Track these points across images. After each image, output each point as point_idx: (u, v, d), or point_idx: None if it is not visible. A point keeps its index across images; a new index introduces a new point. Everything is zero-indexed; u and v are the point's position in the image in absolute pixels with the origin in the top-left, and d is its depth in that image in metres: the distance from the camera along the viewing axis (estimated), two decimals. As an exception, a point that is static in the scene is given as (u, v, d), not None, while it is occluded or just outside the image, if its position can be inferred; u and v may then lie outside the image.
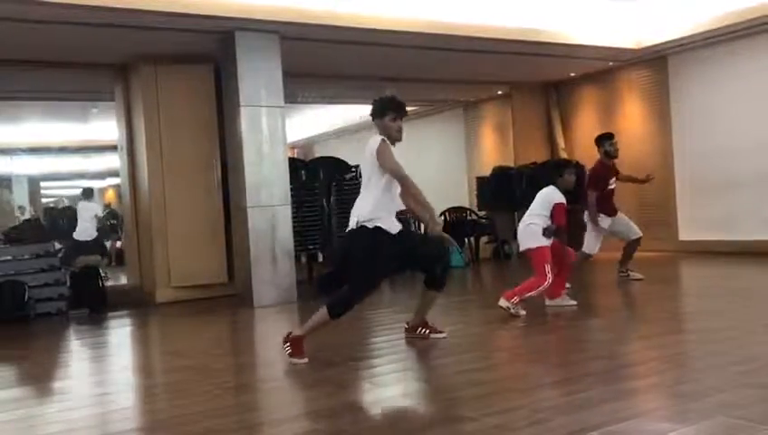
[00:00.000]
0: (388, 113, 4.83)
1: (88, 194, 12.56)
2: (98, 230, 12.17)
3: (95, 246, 12.04)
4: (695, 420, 2.95)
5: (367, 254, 4.49)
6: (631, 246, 7.72)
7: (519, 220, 12.95)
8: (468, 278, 9.66)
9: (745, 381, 3.49)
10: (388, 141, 4.67)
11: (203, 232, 8.37)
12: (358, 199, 4.68)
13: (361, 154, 4.91)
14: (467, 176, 13.27)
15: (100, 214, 12.97)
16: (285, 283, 7.73)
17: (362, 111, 16.38)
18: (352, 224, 4.59)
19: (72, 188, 20.11)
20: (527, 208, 6.32)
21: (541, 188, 6.26)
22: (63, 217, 15.50)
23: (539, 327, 5.53)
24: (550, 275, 5.84)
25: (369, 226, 4.50)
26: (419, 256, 4.78)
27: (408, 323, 5.16)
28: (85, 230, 11.88)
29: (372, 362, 4.69)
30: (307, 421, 3.45)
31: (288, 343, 4.54)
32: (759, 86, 9.29)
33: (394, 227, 4.59)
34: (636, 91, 11.01)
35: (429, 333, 5.04)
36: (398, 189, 4.66)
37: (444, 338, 5.00)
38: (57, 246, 8.48)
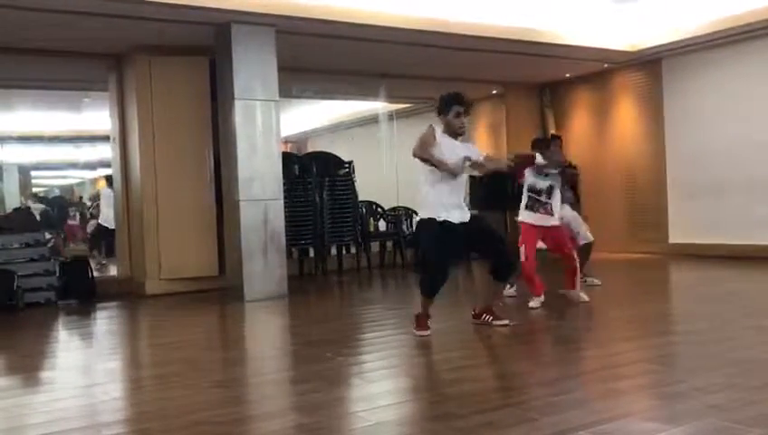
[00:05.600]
0: (453, 108, 5.07)
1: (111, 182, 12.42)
2: None
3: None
4: (683, 421, 2.96)
5: (423, 240, 5.13)
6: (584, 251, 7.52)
7: (510, 219, 12.95)
8: (459, 276, 9.67)
9: (734, 383, 3.51)
10: (436, 130, 4.97)
11: (194, 224, 8.34)
12: None
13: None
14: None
15: None
16: (276, 277, 7.71)
17: (356, 107, 16.29)
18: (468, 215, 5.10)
19: (63, 178, 19.99)
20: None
21: None
22: (54, 207, 15.42)
23: (528, 326, 5.55)
24: (523, 257, 6.01)
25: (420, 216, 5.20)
26: (483, 247, 5.23)
27: (474, 310, 5.42)
28: (110, 217, 11.84)
29: (362, 358, 4.70)
30: (295, 415, 3.45)
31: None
32: (752, 90, 9.33)
33: (450, 216, 4.94)
34: (629, 93, 11.04)
35: (492, 319, 5.23)
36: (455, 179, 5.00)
37: (506, 325, 5.19)
38: (47, 235, 8.42)
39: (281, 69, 7.81)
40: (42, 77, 9.87)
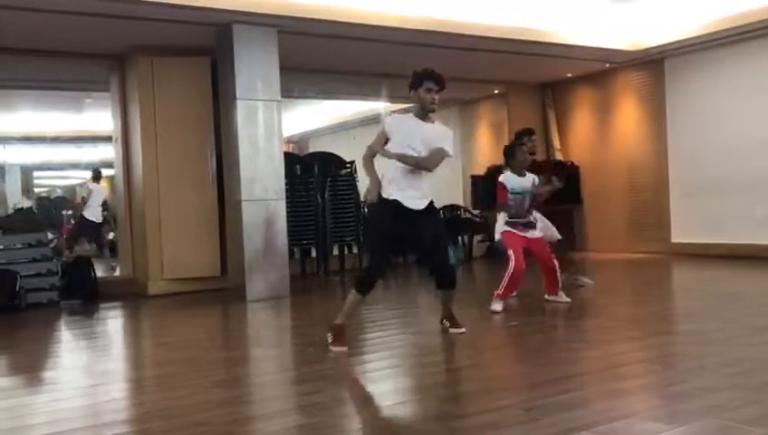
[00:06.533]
0: (425, 83, 4.85)
1: (97, 176, 12.43)
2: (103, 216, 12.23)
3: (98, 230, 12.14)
4: (685, 421, 2.96)
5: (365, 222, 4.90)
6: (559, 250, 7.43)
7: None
8: (461, 276, 9.66)
9: (735, 383, 3.51)
10: (389, 123, 4.87)
11: (197, 225, 8.35)
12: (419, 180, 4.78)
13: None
14: (462, 174, 13.28)
15: (107, 199, 12.63)
16: (279, 277, 7.71)
17: (358, 107, 16.30)
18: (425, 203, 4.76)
19: (65, 179, 20.02)
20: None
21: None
22: (56, 207, 15.45)
23: (529, 326, 5.54)
24: (511, 262, 5.93)
25: None
26: (427, 254, 4.95)
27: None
28: (97, 212, 11.93)
29: (363, 359, 4.69)
30: (297, 416, 3.45)
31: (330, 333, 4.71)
32: (755, 90, 9.31)
33: (403, 197, 4.68)
34: (631, 92, 11.03)
35: (450, 326, 5.10)
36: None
37: (461, 333, 5.03)
38: (50, 235, 8.44)
39: (283, 69, 7.81)
40: (44, 78, 9.89)
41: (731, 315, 5.52)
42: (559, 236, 7.09)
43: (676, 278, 8.91)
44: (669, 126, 10.43)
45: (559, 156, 11.97)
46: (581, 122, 11.85)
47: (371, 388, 3.97)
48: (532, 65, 10.59)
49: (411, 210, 4.69)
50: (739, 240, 9.40)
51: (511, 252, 5.98)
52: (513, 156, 6.27)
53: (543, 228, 6.88)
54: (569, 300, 6.23)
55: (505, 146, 6.83)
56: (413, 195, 4.71)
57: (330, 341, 4.68)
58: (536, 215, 6.76)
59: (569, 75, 11.56)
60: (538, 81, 11.96)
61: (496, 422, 3.05)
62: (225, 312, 7.35)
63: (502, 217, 6.15)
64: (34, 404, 3.89)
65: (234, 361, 4.97)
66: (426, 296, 6.21)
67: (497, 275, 7.16)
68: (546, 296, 6.31)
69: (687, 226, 10.17)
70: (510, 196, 6.09)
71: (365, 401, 3.75)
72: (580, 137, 11.88)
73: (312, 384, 3.97)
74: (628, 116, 11.10)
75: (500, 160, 12.40)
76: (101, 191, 12.18)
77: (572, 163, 11.76)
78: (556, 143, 12.06)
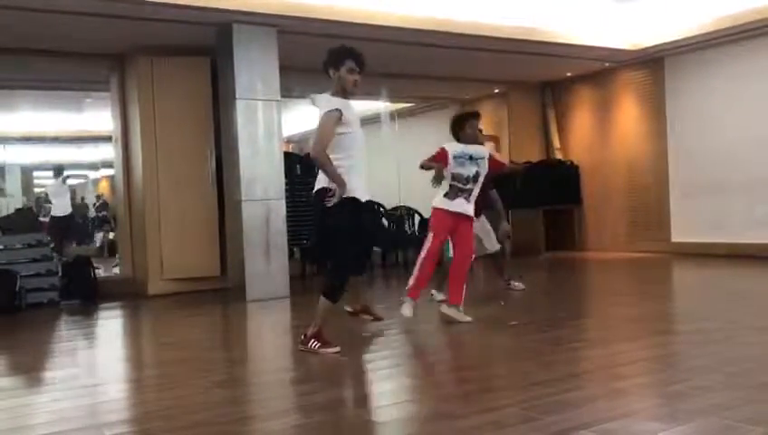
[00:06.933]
0: (346, 63, 4.52)
1: (58, 174, 12.66)
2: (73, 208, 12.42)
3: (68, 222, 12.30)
4: (686, 420, 2.96)
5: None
6: (496, 259, 7.02)
7: (513, 219, 12.95)
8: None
9: (736, 382, 3.51)
10: (334, 114, 4.42)
11: (196, 225, 8.35)
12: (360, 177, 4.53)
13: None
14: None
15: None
16: (278, 277, 7.71)
17: (358, 107, 16.31)
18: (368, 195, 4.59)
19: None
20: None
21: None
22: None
23: (529, 326, 5.54)
24: (424, 251, 5.39)
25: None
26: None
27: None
28: (61, 205, 12.21)
29: (364, 358, 4.69)
30: (298, 415, 3.45)
31: (312, 341, 4.49)
32: (755, 89, 9.32)
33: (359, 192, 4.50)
34: (632, 92, 11.03)
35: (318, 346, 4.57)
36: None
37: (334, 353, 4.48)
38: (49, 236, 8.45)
39: (282, 69, 7.81)
40: (44, 78, 9.88)
41: (731, 315, 5.51)
42: (496, 247, 6.71)
43: (677, 278, 8.90)
44: (669, 125, 10.43)
45: (559, 155, 11.98)
46: (581, 122, 11.85)
47: (371, 388, 3.97)
48: (533, 65, 10.59)
49: (367, 202, 4.60)
50: (739, 239, 9.39)
51: (431, 235, 5.42)
52: (462, 127, 5.61)
53: (483, 233, 6.52)
54: (469, 319, 5.40)
55: (455, 116, 6.05)
56: (364, 186, 4.55)
57: (316, 347, 4.47)
58: (481, 220, 6.42)
59: (569, 75, 11.56)
60: (538, 80, 11.96)
61: (497, 422, 3.05)
62: (224, 312, 7.34)
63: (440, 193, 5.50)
64: (35, 404, 3.89)
65: (234, 361, 4.97)
66: (426, 296, 6.20)
67: (493, 272, 7.20)
68: (442, 307, 5.56)
69: (688, 225, 10.17)
70: (452, 162, 5.42)
71: (366, 401, 3.75)
72: (579, 136, 11.88)
73: (311, 384, 3.97)
74: (628, 115, 11.10)
75: (500, 159, 12.51)
76: (60, 187, 12.34)
77: (572, 163, 11.77)
78: (556, 143, 12.06)
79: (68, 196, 12.57)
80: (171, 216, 8.25)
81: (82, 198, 17.78)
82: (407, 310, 5.39)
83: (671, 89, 10.37)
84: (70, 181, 14.12)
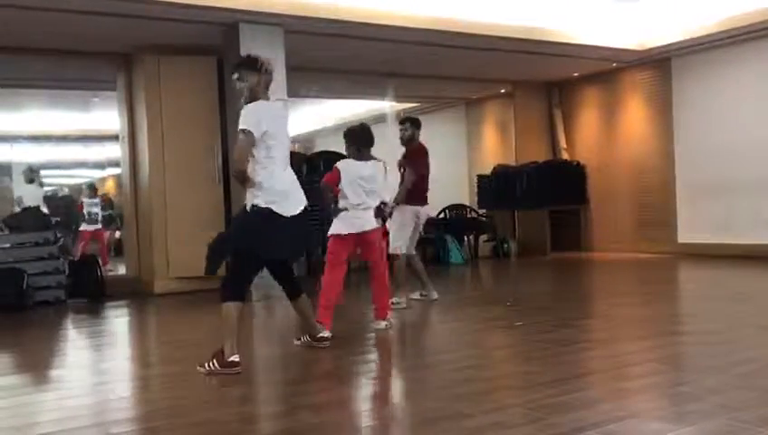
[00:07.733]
0: (262, 72, 4.39)
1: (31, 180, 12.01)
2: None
3: None
4: (693, 421, 2.95)
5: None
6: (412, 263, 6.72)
7: (519, 219, 12.93)
8: (467, 276, 9.66)
9: (744, 383, 3.49)
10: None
11: (203, 223, 8.31)
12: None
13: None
14: (468, 173, 13.27)
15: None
16: (284, 276, 7.70)
17: (364, 107, 16.27)
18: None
19: (72, 178, 20.06)
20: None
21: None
22: (62, 206, 15.46)
23: (535, 326, 5.53)
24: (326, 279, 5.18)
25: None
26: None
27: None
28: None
29: (370, 358, 4.69)
30: (302, 415, 3.45)
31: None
32: (761, 90, 9.28)
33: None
34: (638, 92, 11.00)
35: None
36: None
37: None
38: (57, 234, 8.45)
39: (289, 68, 7.81)
40: (51, 77, 9.93)
41: (739, 316, 5.49)
42: (403, 252, 6.47)
43: (683, 278, 8.88)
44: (676, 126, 10.40)
45: (565, 155, 11.95)
46: (588, 122, 11.83)
47: (375, 388, 3.96)
48: (539, 64, 10.58)
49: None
50: (747, 240, 9.36)
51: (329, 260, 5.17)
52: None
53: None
54: (388, 325, 5.33)
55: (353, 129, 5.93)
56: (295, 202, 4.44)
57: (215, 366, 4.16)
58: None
59: (575, 75, 11.54)
60: (545, 80, 11.94)
61: (502, 422, 3.05)
62: (230, 311, 7.33)
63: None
64: (42, 402, 3.90)
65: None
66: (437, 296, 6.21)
67: (500, 273, 7.19)
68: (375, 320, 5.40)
69: (694, 226, 10.14)
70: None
71: (370, 401, 3.75)
72: (586, 136, 11.85)
73: (318, 383, 3.97)
74: (635, 116, 11.07)
75: (506, 160, 12.50)
76: (34, 193, 11.86)
77: (578, 163, 11.74)
78: (562, 143, 12.04)
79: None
80: (178, 214, 8.26)
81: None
82: (325, 337, 4.86)
83: (678, 89, 10.34)
84: (77, 181, 14.10)
